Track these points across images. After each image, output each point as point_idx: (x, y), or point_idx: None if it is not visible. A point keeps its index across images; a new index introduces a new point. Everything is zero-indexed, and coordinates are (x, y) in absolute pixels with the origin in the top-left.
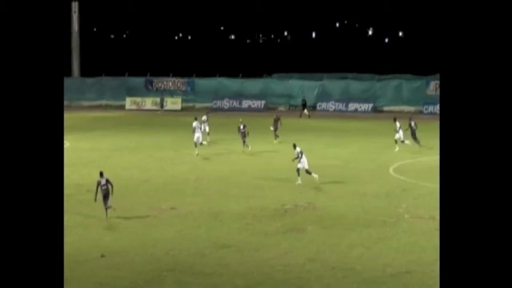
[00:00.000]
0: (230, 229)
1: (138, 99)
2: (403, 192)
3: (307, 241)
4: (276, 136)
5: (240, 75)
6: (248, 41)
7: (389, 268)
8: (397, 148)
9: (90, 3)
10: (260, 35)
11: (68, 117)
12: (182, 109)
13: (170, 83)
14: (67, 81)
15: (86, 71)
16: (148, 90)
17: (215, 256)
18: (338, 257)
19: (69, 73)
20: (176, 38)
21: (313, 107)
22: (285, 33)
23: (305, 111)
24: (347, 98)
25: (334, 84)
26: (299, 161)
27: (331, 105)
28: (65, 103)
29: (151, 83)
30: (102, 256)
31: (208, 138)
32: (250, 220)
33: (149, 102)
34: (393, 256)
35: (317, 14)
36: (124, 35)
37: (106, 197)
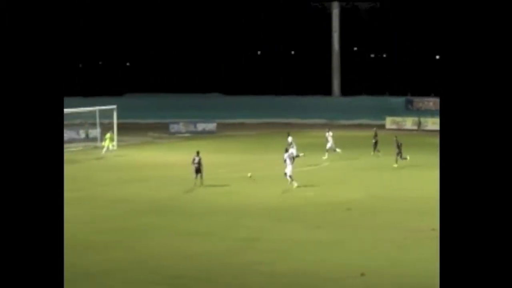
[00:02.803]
0: None
1: (399, 119)
2: None
3: None
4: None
5: None
6: None
7: None
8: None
9: (351, 22)
10: None
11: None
12: None
13: (431, 103)
14: (327, 100)
15: (346, 90)
16: (408, 110)
17: None
18: None
19: (329, 92)
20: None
21: None
22: None
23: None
24: None
25: None
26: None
27: None
28: (325, 121)
29: (411, 102)
30: (362, 274)
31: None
32: None
33: (409, 122)
34: None
35: None
36: (384, 55)
37: (197, 171)
